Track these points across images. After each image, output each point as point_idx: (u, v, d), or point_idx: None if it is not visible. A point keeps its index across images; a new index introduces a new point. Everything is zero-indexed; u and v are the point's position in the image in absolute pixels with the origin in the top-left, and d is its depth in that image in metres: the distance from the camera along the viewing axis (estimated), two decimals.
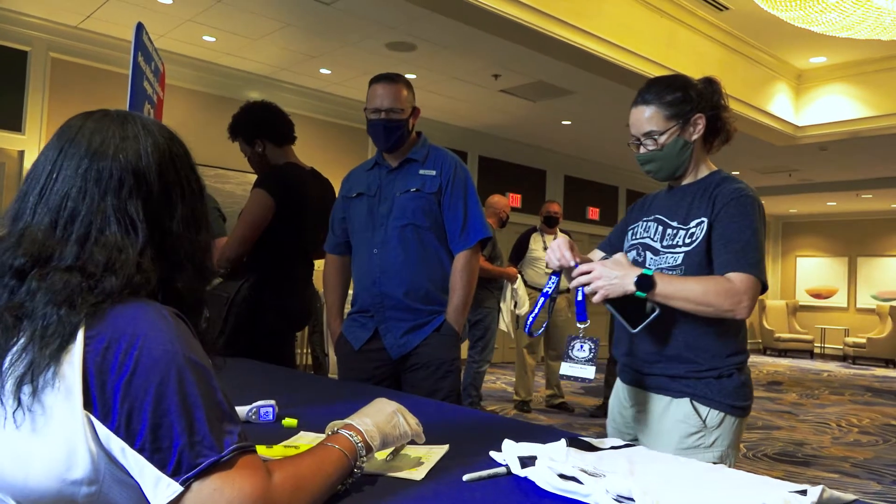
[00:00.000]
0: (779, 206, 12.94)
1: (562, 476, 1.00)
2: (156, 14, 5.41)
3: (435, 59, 6.31)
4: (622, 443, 1.30)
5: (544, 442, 1.17)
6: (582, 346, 1.62)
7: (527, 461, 1.08)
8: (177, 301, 0.87)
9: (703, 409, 1.61)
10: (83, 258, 0.81)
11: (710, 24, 6.53)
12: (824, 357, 13.09)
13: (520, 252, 5.93)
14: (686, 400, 1.63)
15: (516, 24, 4.93)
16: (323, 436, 1.00)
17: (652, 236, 1.72)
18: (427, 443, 1.17)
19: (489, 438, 1.24)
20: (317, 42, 6.03)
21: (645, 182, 11.42)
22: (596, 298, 1.55)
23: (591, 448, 1.23)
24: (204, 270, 0.93)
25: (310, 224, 2.77)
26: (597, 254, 1.90)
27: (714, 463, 1.58)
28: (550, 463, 1.04)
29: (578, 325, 1.62)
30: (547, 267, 5.78)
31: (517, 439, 1.17)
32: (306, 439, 1.27)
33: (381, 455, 1.10)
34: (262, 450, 1.12)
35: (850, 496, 1.01)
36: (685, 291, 1.53)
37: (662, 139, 1.68)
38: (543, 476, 1.02)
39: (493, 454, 1.17)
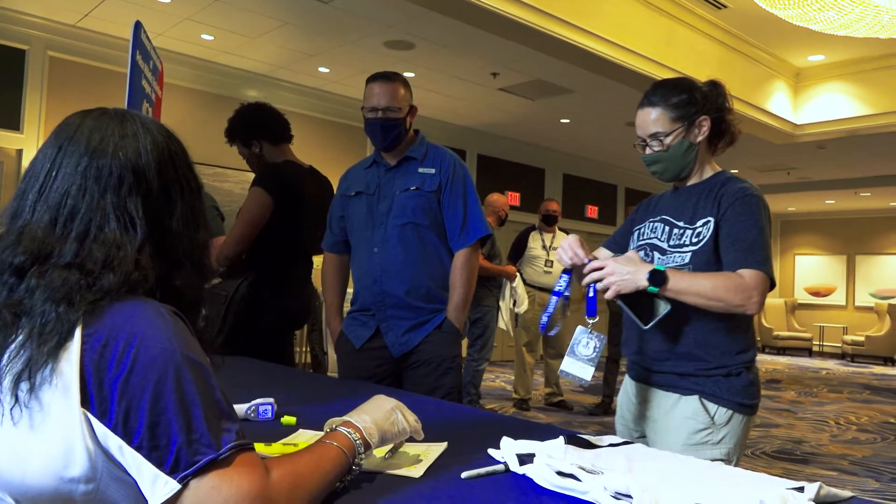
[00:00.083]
0: (777, 205, 12.94)
1: (560, 473, 1.00)
2: (154, 12, 5.40)
3: (434, 58, 6.31)
4: (620, 440, 1.30)
5: (543, 440, 1.17)
6: (588, 343, 1.63)
7: (525, 459, 1.09)
8: (175, 299, 0.87)
9: (712, 407, 1.63)
10: (82, 255, 0.81)
11: (709, 22, 6.53)
12: (823, 355, 13.10)
13: (518, 250, 5.93)
14: (695, 397, 1.64)
15: (515, 22, 4.93)
16: (321, 433, 1.00)
17: (659, 237, 1.74)
18: (426, 440, 1.17)
19: (488, 436, 1.25)
20: (315, 40, 6.03)
21: (644, 181, 11.43)
22: (608, 294, 1.57)
23: (590, 445, 1.23)
24: (202, 268, 0.93)
25: (308, 222, 2.77)
26: (602, 252, 1.91)
27: (721, 460, 1.60)
28: (549, 460, 1.04)
29: (587, 319, 1.64)
30: (545, 265, 5.75)
31: (516, 437, 1.17)
32: (305, 437, 1.27)
33: (379, 452, 1.11)
34: (260, 447, 1.12)
35: (847, 493, 1.01)
36: (697, 287, 1.55)
37: (668, 140, 1.70)
38: (542, 473, 1.02)
39: (491, 452, 1.17)
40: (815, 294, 13.83)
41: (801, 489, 0.98)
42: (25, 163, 5.62)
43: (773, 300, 13.63)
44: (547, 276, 5.85)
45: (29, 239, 0.81)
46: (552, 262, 5.86)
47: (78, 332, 0.76)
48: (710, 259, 1.62)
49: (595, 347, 1.62)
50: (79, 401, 0.74)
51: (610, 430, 5.19)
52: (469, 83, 7.04)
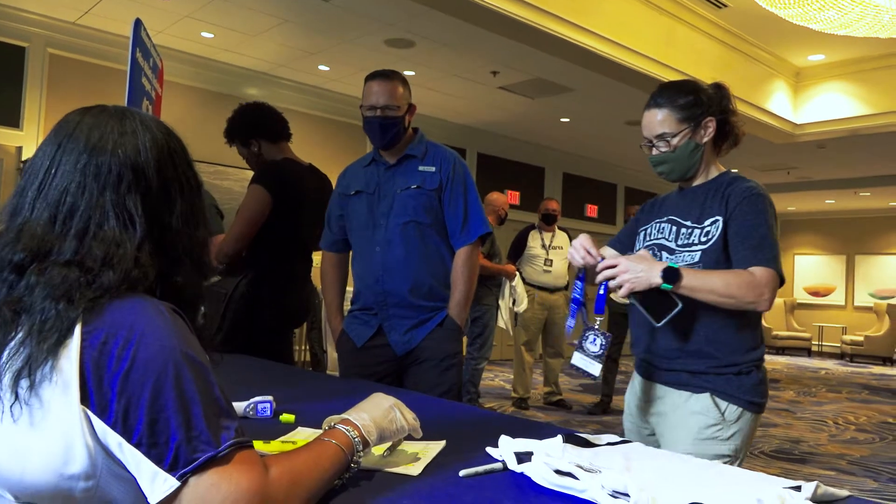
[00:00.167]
0: (777, 204, 12.56)
1: (558, 472, 1.00)
2: (154, 10, 5.40)
3: (434, 56, 6.31)
4: (618, 439, 1.30)
5: (541, 438, 1.17)
6: (595, 340, 1.67)
7: (523, 457, 1.09)
8: (175, 297, 0.87)
9: (723, 404, 1.65)
10: (82, 253, 0.81)
11: (709, 21, 6.53)
12: (822, 355, 13.11)
13: (518, 249, 5.93)
14: (706, 394, 1.66)
15: (515, 21, 4.92)
16: (320, 431, 1.01)
17: (667, 236, 1.76)
18: (424, 439, 1.18)
19: (486, 435, 1.25)
20: (315, 38, 6.02)
21: (644, 180, 11.43)
22: (622, 292, 1.59)
23: (588, 444, 1.24)
24: (202, 266, 0.93)
25: (308, 219, 2.77)
26: (607, 251, 1.92)
27: (728, 456, 1.63)
28: (546, 459, 1.04)
29: (595, 317, 1.68)
30: (545, 264, 5.75)
31: (514, 436, 1.17)
32: (303, 435, 1.27)
33: (377, 450, 1.11)
34: (259, 445, 1.12)
35: (845, 492, 1.01)
36: (710, 284, 1.57)
37: (675, 141, 1.73)
38: (539, 472, 1.02)
39: (489, 450, 1.17)
40: (815, 294, 13.84)
41: (798, 488, 0.98)
42: (25, 160, 5.62)
43: None
44: (546, 275, 5.85)
45: (29, 236, 0.81)
46: (551, 260, 5.86)
47: (77, 330, 0.76)
48: (719, 258, 1.64)
49: (601, 345, 1.66)
50: (78, 398, 0.74)
51: (609, 429, 5.18)
52: (469, 82, 7.04)
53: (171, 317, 0.81)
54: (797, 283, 14.12)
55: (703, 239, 1.68)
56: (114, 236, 0.83)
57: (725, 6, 6.24)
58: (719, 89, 1.78)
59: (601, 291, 1.65)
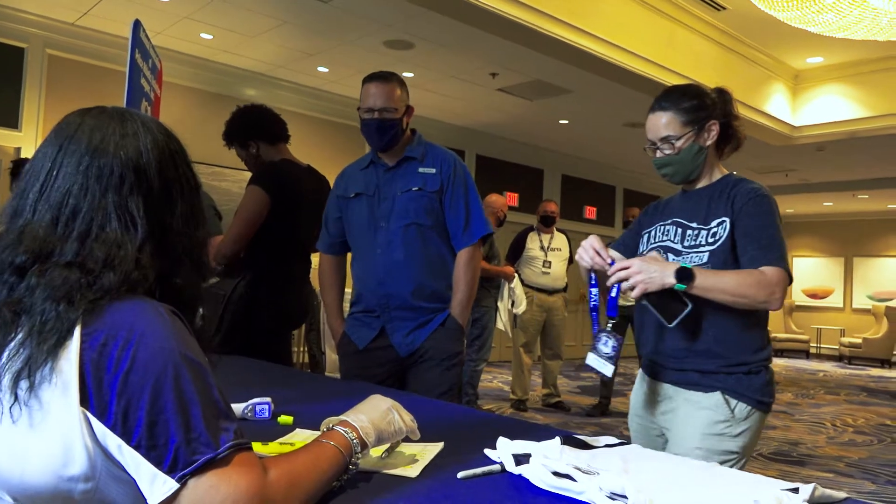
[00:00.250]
0: None
1: (556, 474, 1.00)
2: (153, 11, 5.40)
3: (433, 58, 6.31)
4: (616, 441, 1.30)
5: (540, 440, 1.17)
6: (607, 342, 1.69)
7: (521, 459, 1.09)
8: (174, 298, 0.87)
9: (733, 402, 1.67)
10: (83, 254, 0.81)
11: (708, 23, 6.54)
12: (820, 357, 13.12)
13: (517, 251, 5.93)
14: (717, 393, 1.68)
15: (514, 22, 4.93)
16: (318, 433, 1.01)
17: (672, 238, 1.78)
18: (422, 440, 1.18)
19: (484, 437, 1.25)
20: (314, 40, 6.03)
21: (642, 182, 11.44)
22: (635, 293, 1.61)
23: (586, 446, 1.24)
24: (201, 267, 0.94)
25: (306, 220, 2.77)
26: (612, 254, 1.93)
27: (736, 453, 1.66)
28: (544, 460, 1.04)
29: (608, 319, 1.70)
30: (543, 266, 5.74)
31: (513, 438, 1.17)
32: (302, 436, 1.27)
33: (376, 452, 1.11)
34: (257, 447, 1.12)
35: (842, 494, 1.01)
36: (722, 283, 1.59)
37: (679, 143, 1.75)
38: (537, 473, 1.02)
39: (487, 452, 1.17)
40: (813, 296, 13.86)
41: (795, 490, 0.98)
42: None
43: None
44: (545, 276, 5.85)
45: (30, 238, 0.81)
46: (550, 262, 5.86)
47: (77, 332, 0.76)
48: (727, 258, 1.67)
49: (613, 346, 1.69)
50: (78, 400, 0.74)
51: (607, 430, 5.18)
52: (468, 83, 7.04)
53: (171, 318, 0.81)
54: (795, 286, 14.09)
55: (710, 240, 1.70)
56: (115, 238, 0.83)
57: (724, 8, 6.25)
58: (722, 94, 1.81)
59: (613, 294, 1.67)
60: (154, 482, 0.75)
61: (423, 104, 7.37)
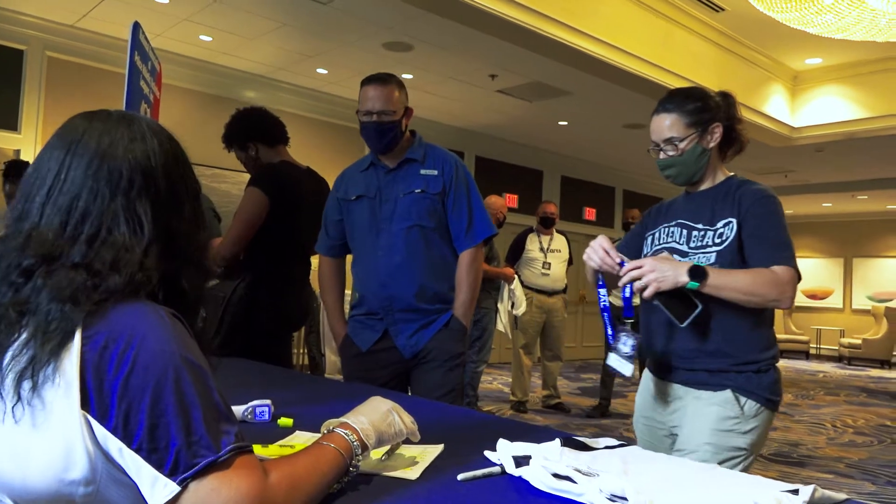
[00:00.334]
0: None
1: (556, 475, 1.01)
2: (152, 13, 5.40)
3: (432, 60, 6.32)
4: (616, 443, 1.30)
5: (539, 442, 1.17)
6: (626, 342, 1.71)
7: (521, 461, 1.09)
8: (177, 300, 0.88)
9: (743, 399, 1.69)
10: (90, 257, 0.82)
11: (706, 24, 6.54)
12: (820, 358, 13.12)
13: (516, 253, 5.93)
14: (727, 391, 1.70)
15: (513, 24, 4.94)
16: (318, 435, 1.01)
17: (677, 240, 1.79)
18: (422, 442, 1.18)
19: (484, 438, 1.25)
20: (313, 42, 6.03)
21: (642, 183, 11.45)
22: (647, 293, 1.62)
23: (586, 448, 1.24)
24: (203, 269, 0.94)
25: (306, 222, 2.77)
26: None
27: (744, 449, 1.67)
28: (544, 462, 1.04)
29: (624, 319, 1.72)
30: (543, 267, 5.73)
31: (513, 439, 1.17)
32: (302, 439, 1.27)
33: (376, 454, 1.11)
34: (257, 449, 1.12)
35: (842, 496, 1.01)
36: (735, 282, 1.61)
37: (682, 145, 1.77)
38: (537, 475, 1.02)
39: (487, 454, 1.17)
40: (813, 297, 13.85)
41: (795, 492, 0.98)
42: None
43: None
44: (544, 278, 5.86)
45: (38, 242, 0.82)
46: (550, 263, 5.87)
47: (78, 335, 0.76)
48: (734, 258, 1.68)
49: (632, 346, 1.71)
50: (79, 403, 0.74)
51: (607, 432, 5.17)
52: (467, 85, 7.05)
53: (171, 321, 0.81)
54: None
55: (716, 240, 1.71)
56: (124, 241, 0.84)
57: (723, 10, 6.25)
58: (726, 97, 1.84)
59: (626, 294, 1.68)
60: (155, 485, 0.75)
61: (423, 106, 7.37)
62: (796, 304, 13.62)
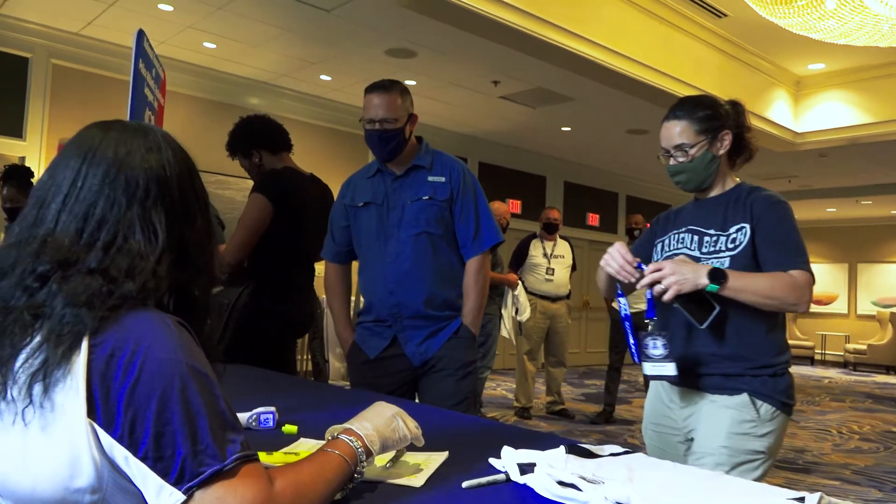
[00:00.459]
0: None
1: (561, 483, 1.00)
2: (157, 21, 5.43)
3: (435, 66, 6.33)
4: (622, 450, 1.30)
5: (544, 449, 1.17)
6: (655, 345, 1.70)
7: (526, 468, 1.08)
8: (186, 308, 0.88)
9: (759, 403, 1.70)
10: (106, 263, 0.82)
11: (709, 30, 6.55)
12: (825, 363, 13.08)
13: (520, 258, 5.93)
14: (744, 394, 1.70)
15: (516, 30, 4.94)
16: (323, 442, 1.00)
17: (689, 246, 1.81)
18: (427, 449, 1.17)
19: (489, 445, 1.25)
20: (316, 48, 6.05)
21: (645, 189, 11.44)
22: (668, 295, 1.64)
23: (591, 455, 1.23)
24: (212, 277, 0.95)
25: (310, 229, 2.77)
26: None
27: (762, 453, 1.68)
28: (549, 470, 1.04)
29: (647, 321, 1.73)
30: (546, 273, 5.74)
31: (517, 446, 1.17)
32: (306, 446, 1.27)
33: (380, 461, 1.11)
34: (262, 456, 1.12)
35: (849, 503, 1.01)
36: (754, 285, 1.63)
37: (693, 151, 1.79)
38: (542, 483, 1.02)
39: (492, 461, 1.17)
40: (817, 302, 13.81)
41: (801, 500, 0.98)
42: None
43: None
44: (548, 284, 5.85)
45: (54, 248, 0.82)
46: (553, 269, 5.86)
47: (85, 343, 0.76)
48: (748, 263, 1.70)
49: (664, 345, 1.70)
50: (85, 411, 0.75)
51: (612, 438, 5.15)
52: (470, 91, 7.06)
53: (177, 329, 0.82)
54: None
55: (729, 245, 1.73)
56: (139, 249, 0.85)
57: (725, 15, 6.26)
58: (735, 106, 1.86)
59: (648, 296, 1.70)
60: (161, 494, 0.75)
61: (426, 112, 7.38)
62: None
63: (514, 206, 9.36)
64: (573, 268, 6.05)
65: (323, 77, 6.80)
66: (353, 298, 2.59)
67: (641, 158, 9.55)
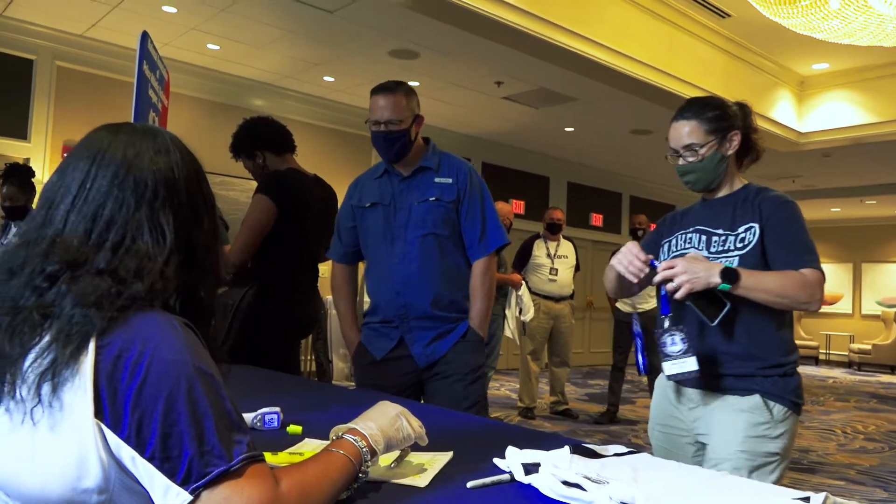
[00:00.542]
0: None
1: (565, 483, 1.00)
2: (160, 23, 5.44)
3: (438, 67, 6.33)
4: (626, 450, 1.30)
5: (548, 449, 1.17)
6: (673, 340, 1.70)
7: (530, 468, 1.09)
8: (192, 309, 0.88)
9: (771, 404, 1.70)
10: (114, 264, 0.83)
11: (713, 30, 6.54)
12: (829, 363, 13.05)
13: (523, 259, 5.93)
14: (756, 395, 1.70)
15: (519, 31, 4.95)
16: (327, 442, 1.01)
17: (696, 245, 1.81)
18: (431, 449, 1.18)
19: (493, 445, 1.25)
20: (320, 50, 6.06)
21: (649, 189, 11.43)
22: (680, 293, 1.64)
23: (595, 455, 1.23)
24: (218, 278, 0.95)
25: (313, 230, 2.78)
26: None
27: (777, 454, 1.68)
28: (554, 470, 1.04)
29: (661, 317, 1.73)
30: (550, 273, 5.73)
31: (521, 446, 1.17)
32: (311, 446, 1.28)
33: (385, 461, 1.11)
34: (266, 456, 1.12)
35: (854, 503, 1.01)
36: (766, 283, 1.63)
37: (702, 151, 1.80)
38: (547, 483, 1.02)
39: (496, 461, 1.17)
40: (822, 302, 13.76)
41: (807, 500, 0.98)
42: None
43: None
44: (552, 284, 5.85)
45: (63, 249, 0.83)
46: (557, 269, 5.86)
47: (92, 344, 0.77)
48: (757, 262, 1.70)
49: (682, 339, 1.69)
50: (93, 411, 0.75)
51: (616, 438, 5.15)
52: (474, 92, 7.06)
53: (184, 331, 0.82)
54: None
55: (738, 245, 1.73)
56: (147, 250, 0.85)
57: (729, 16, 6.25)
58: (743, 108, 1.87)
59: (662, 292, 1.71)
60: (167, 494, 0.75)
61: (429, 113, 7.34)
62: None
63: (518, 206, 9.36)
64: (577, 268, 6.05)
65: (326, 78, 6.81)
66: (357, 299, 2.59)
67: (645, 159, 9.55)
